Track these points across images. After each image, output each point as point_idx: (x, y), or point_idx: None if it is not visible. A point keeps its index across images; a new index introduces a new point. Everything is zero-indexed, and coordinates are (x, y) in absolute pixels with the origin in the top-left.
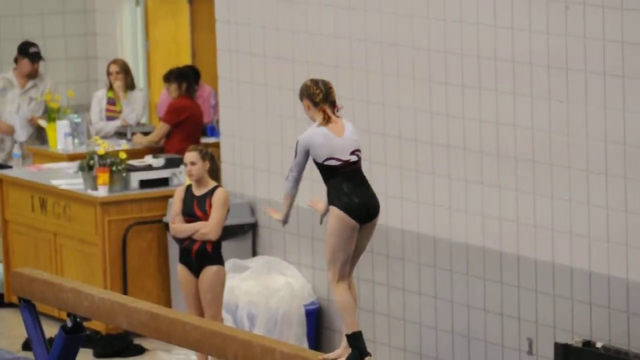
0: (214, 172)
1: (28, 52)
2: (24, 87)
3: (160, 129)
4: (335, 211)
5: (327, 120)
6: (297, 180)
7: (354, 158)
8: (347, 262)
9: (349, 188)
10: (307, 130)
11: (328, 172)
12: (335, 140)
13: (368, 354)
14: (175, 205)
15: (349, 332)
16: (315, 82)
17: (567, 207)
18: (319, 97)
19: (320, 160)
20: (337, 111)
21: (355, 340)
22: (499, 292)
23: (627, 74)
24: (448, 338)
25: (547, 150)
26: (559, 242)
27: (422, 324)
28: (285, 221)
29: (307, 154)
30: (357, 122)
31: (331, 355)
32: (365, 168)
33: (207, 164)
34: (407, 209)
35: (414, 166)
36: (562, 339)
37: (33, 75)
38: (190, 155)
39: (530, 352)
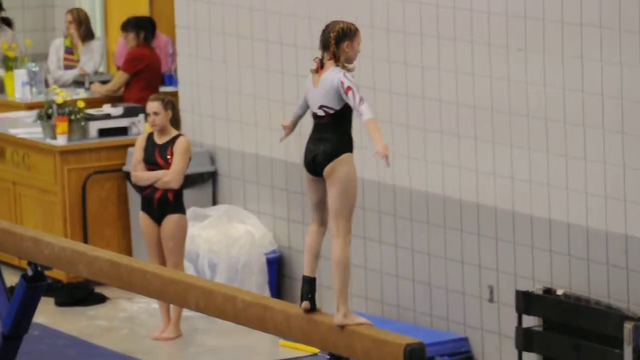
0: (175, 121)
1: None
2: None
3: (119, 77)
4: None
5: (316, 69)
6: (304, 108)
7: (320, 112)
8: (313, 210)
9: (309, 138)
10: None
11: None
12: (311, 91)
13: (304, 300)
14: (137, 153)
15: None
16: (326, 26)
17: (526, 155)
18: (319, 45)
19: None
20: (335, 60)
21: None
22: (459, 240)
23: (624, 27)
24: (409, 286)
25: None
26: (518, 190)
27: (383, 271)
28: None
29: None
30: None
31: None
32: None
33: (170, 113)
34: (368, 160)
35: (388, 118)
36: (523, 287)
37: None
38: (153, 106)
39: (491, 300)
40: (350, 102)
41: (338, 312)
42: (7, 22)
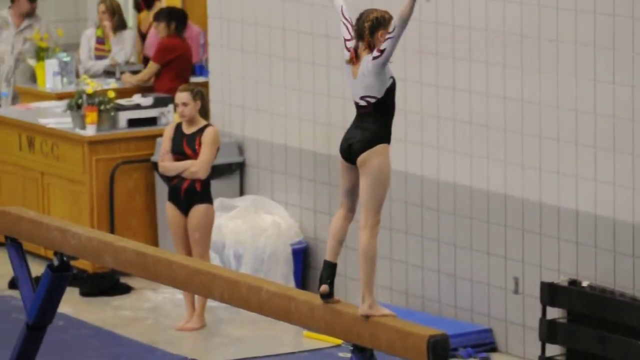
0: (204, 111)
1: None
2: (18, 27)
3: (150, 68)
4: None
5: (351, 60)
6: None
7: (362, 102)
8: (343, 196)
9: (351, 125)
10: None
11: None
12: (351, 81)
13: (322, 284)
14: (165, 143)
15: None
16: (359, 16)
17: (555, 146)
18: (354, 34)
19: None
20: (369, 51)
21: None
22: (486, 231)
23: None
24: (434, 277)
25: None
26: (546, 181)
27: (409, 262)
28: None
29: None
30: None
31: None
32: None
33: (199, 104)
34: (395, 150)
35: (403, 106)
36: (548, 278)
37: (30, 14)
38: (182, 96)
39: (516, 291)
40: (389, 46)
41: (363, 303)
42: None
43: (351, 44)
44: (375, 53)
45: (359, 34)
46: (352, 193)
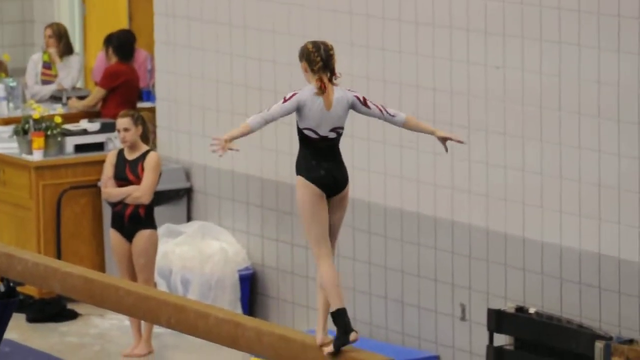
0: (145, 136)
1: None
2: None
3: (96, 93)
4: (300, 180)
5: (322, 91)
6: (268, 122)
7: (332, 135)
8: (325, 236)
9: (318, 162)
10: (307, 88)
11: (304, 139)
12: (322, 113)
13: (352, 330)
14: (107, 169)
15: (333, 309)
16: (317, 46)
17: (502, 173)
18: (318, 65)
19: (301, 126)
20: (335, 79)
21: (340, 317)
22: (433, 258)
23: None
24: (381, 303)
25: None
26: (493, 208)
27: (356, 289)
28: (227, 140)
29: (295, 109)
30: None
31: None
32: None
33: (140, 129)
34: None
35: (350, 132)
36: (495, 305)
37: None
38: (124, 122)
39: (463, 318)
40: (375, 111)
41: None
42: None
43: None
44: (362, 96)
45: (326, 64)
46: (329, 230)
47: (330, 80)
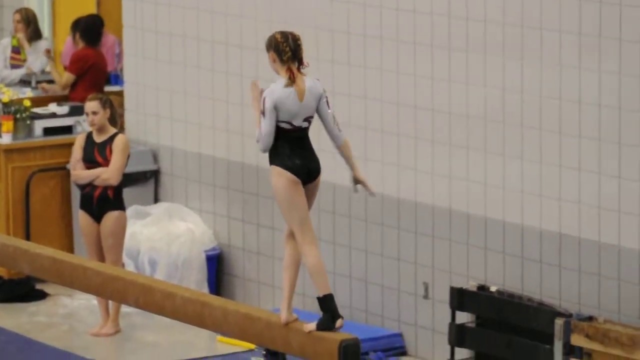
0: (113, 119)
1: None
2: None
3: (66, 79)
4: (275, 169)
5: (292, 81)
6: (271, 136)
7: (305, 124)
8: (307, 221)
9: (292, 151)
10: (273, 86)
11: (278, 131)
12: (296, 104)
13: (340, 317)
14: (76, 152)
15: (321, 294)
16: (285, 37)
17: (464, 154)
18: (287, 55)
19: (277, 120)
20: (303, 68)
21: (327, 303)
22: (396, 238)
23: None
24: (346, 283)
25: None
26: (455, 189)
27: None
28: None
29: (275, 111)
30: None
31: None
32: None
33: (108, 112)
34: None
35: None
36: (457, 283)
37: None
38: (92, 105)
39: (426, 296)
40: (329, 117)
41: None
42: None
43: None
44: (327, 96)
45: (294, 54)
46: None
47: (298, 69)
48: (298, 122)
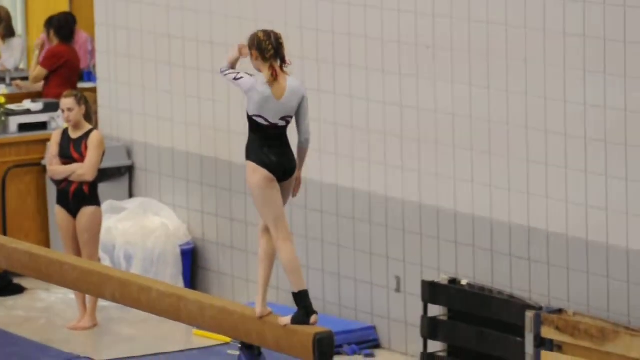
0: (88, 115)
1: None
2: None
3: (38, 72)
4: (250, 165)
5: (274, 78)
6: (233, 69)
7: (281, 123)
8: (282, 218)
9: (269, 149)
10: (256, 78)
11: (254, 125)
12: (272, 102)
13: (314, 312)
14: (52, 148)
15: (296, 290)
16: (267, 35)
17: (433, 149)
18: (270, 53)
19: (250, 113)
20: (286, 67)
21: (302, 298)
22: (368, 232)
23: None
24: (319, 276)
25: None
26: (425, 183)
27: None
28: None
29: (249, 86)
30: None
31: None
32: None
33: (83, 109)
34: None
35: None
36: (429, 277)
37: None
38: (67, 102)
39: (398, 290)
40: (306, 117)
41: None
42: None
43: (244, 75)
44: (306, 103)
45: (277, 52)
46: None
47: (281, 67)
48: (274, 120)
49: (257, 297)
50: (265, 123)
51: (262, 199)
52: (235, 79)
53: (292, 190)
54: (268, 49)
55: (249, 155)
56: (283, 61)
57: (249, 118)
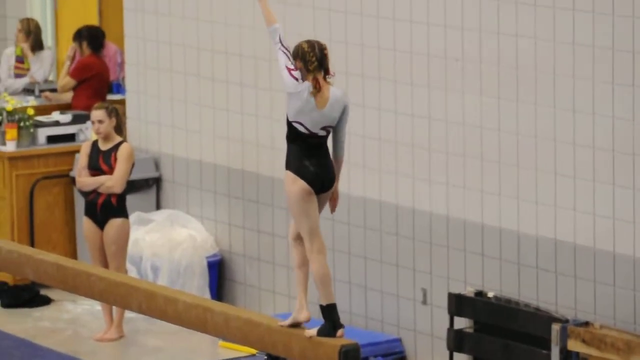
0: (119, 127)
1: None
2: None
3: (68, 83)
4: (289, 175)
5: (318, 90)
6: (279, 36)
7: (322, 133)
8: (316, 230)
9: (308, 159)
10: (302, 83)
11: (293, 132)
12: (314, 112)
13: (341, 326)
14: (82, 159)
15: (324, 303)
16: (312, 46)
17: (461, 162)
18: (313, 65)
19: (290, 119)
20: (329, 78)
21: (330, 312)
22: (395, 244)
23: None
24: (345, 288)
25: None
26: (452, 196)
27: None
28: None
29: (294, 82)
30: None
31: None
32: None
33: (114, 121)
34: None
35: None
36: (455, 289)
37: None
38: (98, 114)
39: (424, 302)
40: (343, 131)
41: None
42: None
43: (297, 74)
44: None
45: (320, 63)
46: None
47: (324, 79)
48: (315, 129)
49: (298, 302)
50: (305, 131)
51: (299, 210)
52: (287, 67)
53: (328, 202)
54: (312, 61)
55: (289, 165)
56: (327, 72)
57: (289, 125)
